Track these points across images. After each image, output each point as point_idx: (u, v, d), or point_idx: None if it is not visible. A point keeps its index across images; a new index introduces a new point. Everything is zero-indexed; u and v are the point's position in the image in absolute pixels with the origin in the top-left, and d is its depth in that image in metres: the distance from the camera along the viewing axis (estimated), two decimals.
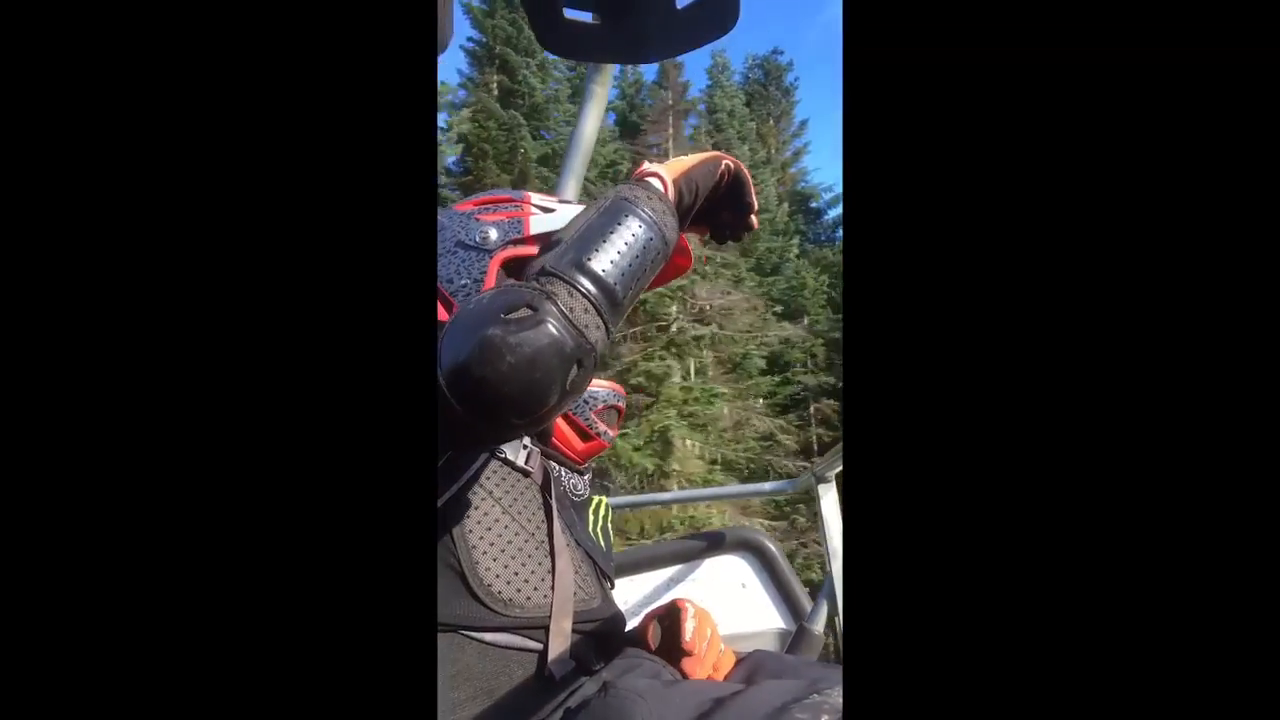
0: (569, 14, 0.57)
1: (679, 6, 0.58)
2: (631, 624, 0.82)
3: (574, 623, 0.66)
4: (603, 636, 0.70)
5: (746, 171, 0.68)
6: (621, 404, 0.81)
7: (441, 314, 0.73)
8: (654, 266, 0.57)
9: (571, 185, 1.41)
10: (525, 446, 0.71)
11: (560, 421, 0.75)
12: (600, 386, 0.79)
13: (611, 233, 0.55)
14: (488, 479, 0.67)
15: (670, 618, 0.77)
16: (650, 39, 0.59)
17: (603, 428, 0.78)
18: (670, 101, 16.79)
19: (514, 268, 0.72)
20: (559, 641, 0.63)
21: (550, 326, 0.48)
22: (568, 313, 0.49)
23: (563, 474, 0.76)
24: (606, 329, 0.52)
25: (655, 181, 0.62)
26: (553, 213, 0.73)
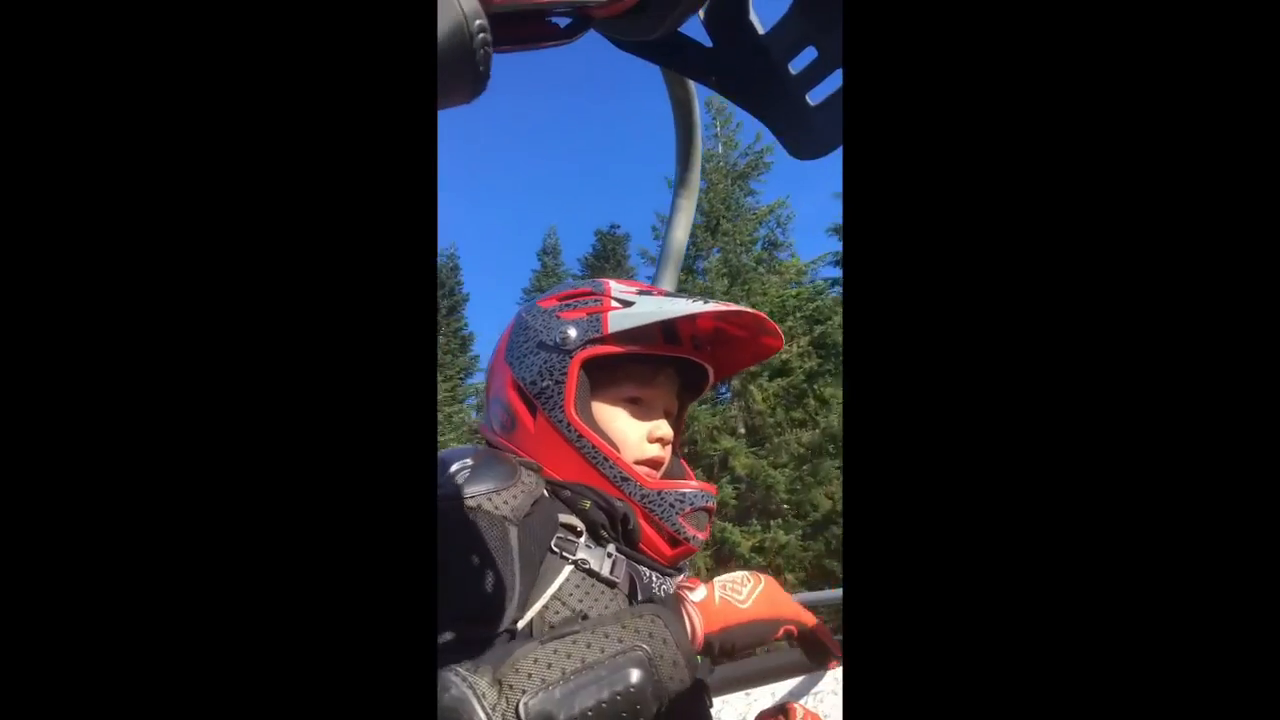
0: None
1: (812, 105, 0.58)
2: None
3: None
4: None
5: (824, 638, 0.66)
6: (712, 504, 0.75)
7: (525, 415, 0.74)
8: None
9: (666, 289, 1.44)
10: (610, 555, 0.68)
11: (647, 527, 0.72)
12: (688, 487, 0.74)
13: (604, 702, 0.53)
14: (570, 594, 0.65)
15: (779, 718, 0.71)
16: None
17: (691, 532, 0.72)
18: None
19: (593, 365, 0.74)
20: None
21: None
22: None
23: (653, 579, 0.72)
24: None
25: (689, 621, 0.60)
26: (631, 305, 0.74)
